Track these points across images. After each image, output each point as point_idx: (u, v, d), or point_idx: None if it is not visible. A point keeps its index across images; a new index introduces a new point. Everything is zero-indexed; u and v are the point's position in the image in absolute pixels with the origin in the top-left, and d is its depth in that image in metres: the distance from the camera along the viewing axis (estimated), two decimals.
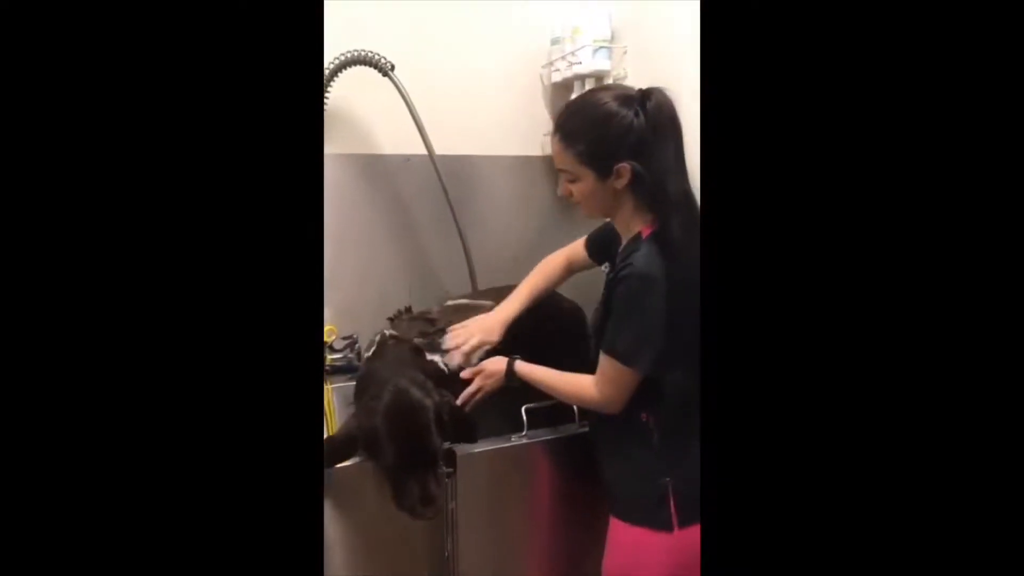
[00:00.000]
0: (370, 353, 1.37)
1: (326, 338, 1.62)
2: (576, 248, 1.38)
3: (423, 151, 1.69)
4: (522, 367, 1.25)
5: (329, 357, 1.60)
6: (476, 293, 1.68)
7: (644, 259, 1.07)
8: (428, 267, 1.85)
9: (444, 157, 1.72)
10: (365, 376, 1.31)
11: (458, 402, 1.25)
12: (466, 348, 1.28)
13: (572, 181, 1.13)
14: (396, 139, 1.75)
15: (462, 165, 1.83)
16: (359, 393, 1.31)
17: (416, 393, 1.19)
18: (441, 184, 1.70)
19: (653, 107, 1.07)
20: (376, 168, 1.77)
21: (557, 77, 1.82)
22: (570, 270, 1.39)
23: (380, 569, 1.26)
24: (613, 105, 1.07)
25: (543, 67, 1.88)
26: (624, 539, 1.19)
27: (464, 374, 1.28)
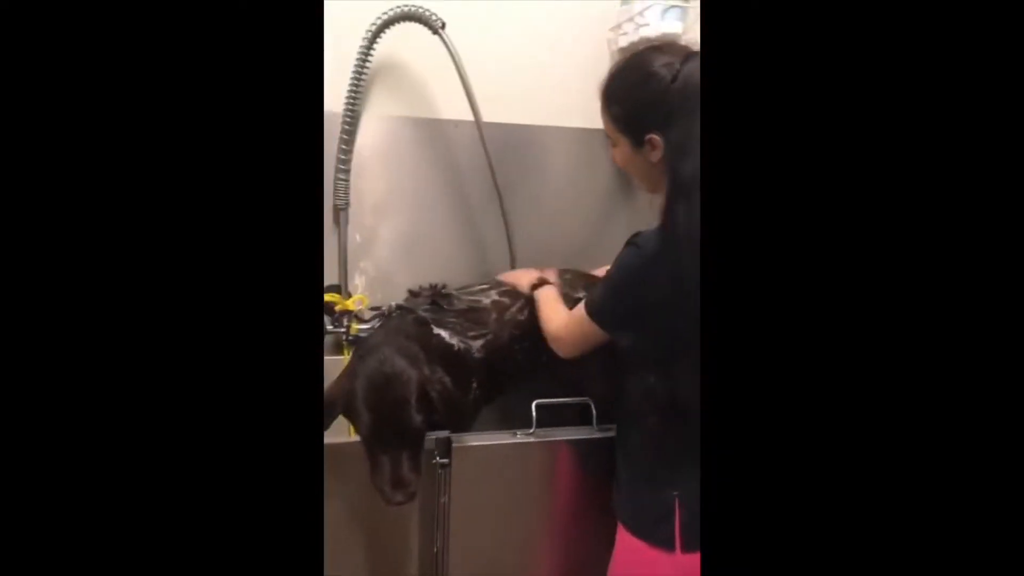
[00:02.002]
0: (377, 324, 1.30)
1: (355, 308, 1.57)
2: None
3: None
4: (541, 292, 1.27)
5: (356, 327, 1.54)
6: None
7: (650, 235, 0.98)
8: (474, 242, 1.74)
9: (497, 125, 1.61)
10: (361, 344, 1.24)
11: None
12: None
13: (614, 146, 1.05)
14: (447, 103, 1.65)
15: (516, 135, 1.70)
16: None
17: (400, 362, 1.09)
18: (485, 153, 1.59)
19: (689, 70, 0.93)
20: (423, 133, 1.67)
21: (624, 41, 1.64)
22: None
23: (367, 559, 1.18)
24: (658, 66, 0.96)
25: (610, 30, 1.70)
26: (624, 548, 1.08)
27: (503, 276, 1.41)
